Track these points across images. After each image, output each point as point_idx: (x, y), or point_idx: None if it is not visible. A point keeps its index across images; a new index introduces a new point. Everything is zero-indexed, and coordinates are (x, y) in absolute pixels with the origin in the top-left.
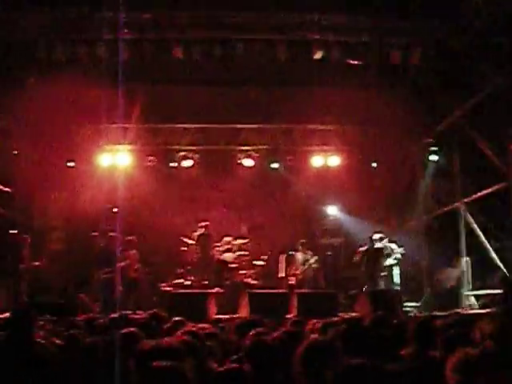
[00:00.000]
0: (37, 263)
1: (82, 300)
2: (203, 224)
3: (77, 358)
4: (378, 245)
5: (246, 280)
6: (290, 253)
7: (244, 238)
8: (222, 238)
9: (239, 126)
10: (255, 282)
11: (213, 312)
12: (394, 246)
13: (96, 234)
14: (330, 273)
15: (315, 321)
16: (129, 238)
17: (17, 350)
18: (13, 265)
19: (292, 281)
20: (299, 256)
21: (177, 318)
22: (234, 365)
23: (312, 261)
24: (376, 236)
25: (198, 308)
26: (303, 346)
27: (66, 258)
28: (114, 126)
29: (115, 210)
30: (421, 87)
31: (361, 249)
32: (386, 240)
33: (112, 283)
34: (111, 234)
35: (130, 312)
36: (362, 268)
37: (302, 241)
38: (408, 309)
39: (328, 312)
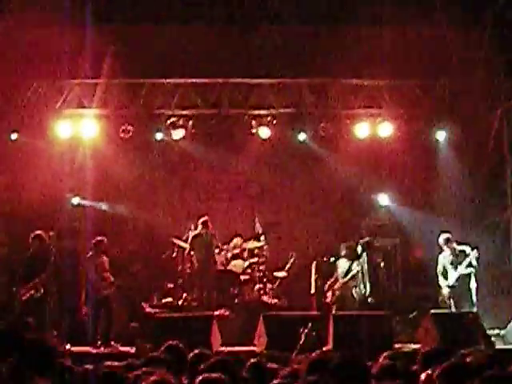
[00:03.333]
0: None
1: (29, 325)
2: (202, 220)
3: None
4: (444, 249)
5: (262, 298)
6: (328, 260)
7: (259, 240)
8: (229, 239)
9: (252, 80)
10: (275, 300)
11: (216, 343)
12: (465, 248)
13: (52, 233)
14: (382, 287)
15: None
16: (97, 238)
17: None
18: None
19: (328, 299)
20: (339, 264)
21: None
22: None
23: (356, 270)
24: (442, 237)
25: (194, 338)
26: None
27: (8, 267)
28: (77, 81)
29: (78, 200)
30: None
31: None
32: (454, 243)
33: (42, 304)
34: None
35: (98, 345)
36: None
37: (345, 243)
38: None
39: (378, 343)
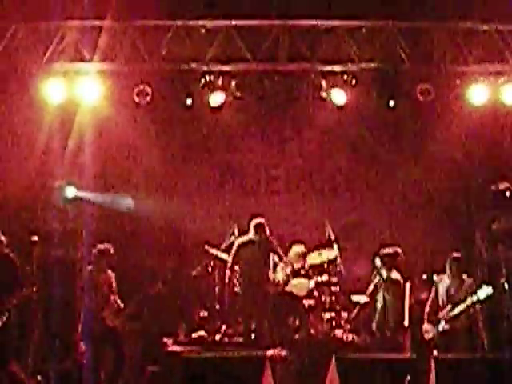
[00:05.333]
0: None
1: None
2: (255, 222)
3: None
4: None
5: (334, 333)
6: (431, 278)
7: (330, 248)
8: (288, 247)
9: (322, 22)
10: (353, 336)
11: None
12: None
13: (34, 238)
14: (504, 320)
15: None
16: (100, 247)
17: None
18: None
19: (429, 334)
20: (446, 283)
21: None
22: None
23: (473, 298)
24: None
25: None
26: None
27: None
28: (73, 23)
29: (73, 192)
30: None
31: None
32: None
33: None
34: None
35: None
36: None
37: (453, 255)
38: None
39: None
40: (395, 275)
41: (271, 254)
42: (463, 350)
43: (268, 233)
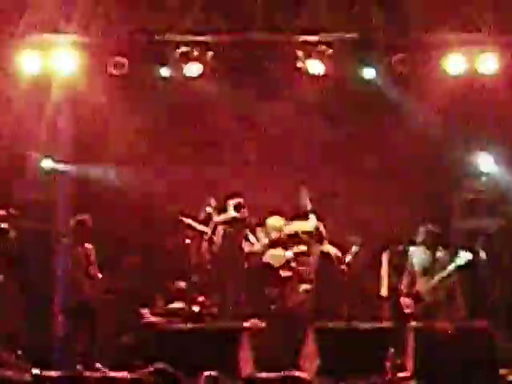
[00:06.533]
0: None
1: None
2: (234, 202)
3: None
4: None
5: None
6: (403, 248)
7: (307, 220)
8: (263, 218)
9: None
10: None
11: (246, 367)
12: None
13: (11, 211)
14: (482, 289)
15: None
16: (78, 218)
17: None
18: None
19: (407, 304)
20: (421, 255)
21: None
22: None
23: (452, 266)
24: None
25: (215, 359)
26: None
27: None
28: None
29: (49, 164)
30: None
31: None
32: None
33: None
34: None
35: (78, 368)
36: None
37: (428, 227)
38: None
39: (477, 368)
40: (327, 248)
41: (247, 229)
42: (442, 320)
43: (245, 211)
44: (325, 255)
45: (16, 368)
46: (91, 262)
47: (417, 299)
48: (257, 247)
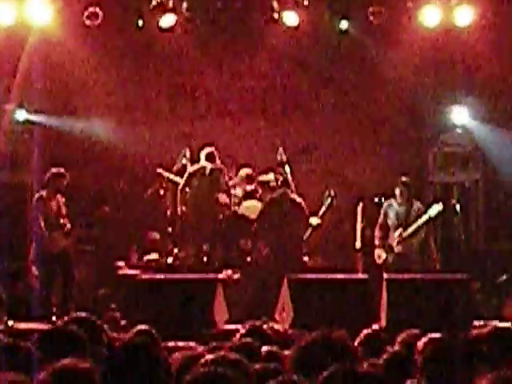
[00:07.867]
0: None
1: None
2: (206, 152)
3: None
4: None
5: None
6: (380, 201)
7: (281, 172)
8: (237, 170)
9: None
10: (305, 258)
11: (220, 318)
12: None
13: None
14: (456, 240)
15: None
16: (52, 171)
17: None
18: None
19: (380, 256)
20: (395, 208)
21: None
22: None
23: (424, 217)
24: None
25: (190, 311)
26: None
27: None
28: None
29: (24, 115)
30: None
31: None
32: None
33: None
34: None
35: (53, 320)
36: None
37: (402, 179)
38: None
39: (452, 319)
40: (294, 195)
41: (222, 180)
42: (415, 272)
43: (218, 161)
44: (295, 204)
45: None
46: (63, 214)
47: (390, 250)
48: (231, 199)
